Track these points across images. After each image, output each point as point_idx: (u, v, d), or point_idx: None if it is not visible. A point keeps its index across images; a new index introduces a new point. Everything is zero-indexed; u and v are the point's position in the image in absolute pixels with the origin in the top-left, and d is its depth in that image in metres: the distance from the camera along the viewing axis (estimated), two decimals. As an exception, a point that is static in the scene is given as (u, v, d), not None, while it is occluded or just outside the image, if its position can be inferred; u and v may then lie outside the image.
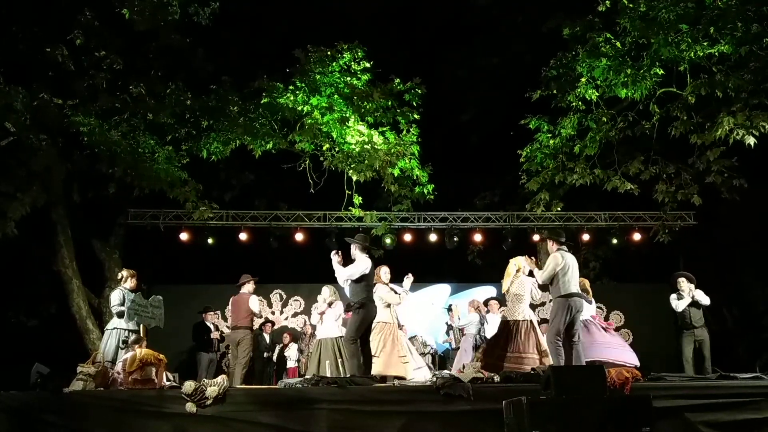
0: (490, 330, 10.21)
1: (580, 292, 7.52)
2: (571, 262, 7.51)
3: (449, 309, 12.00)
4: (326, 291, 9.04)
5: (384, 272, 8.23)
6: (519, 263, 8.25)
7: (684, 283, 9.22)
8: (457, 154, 14.59)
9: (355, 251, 7.59)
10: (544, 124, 9.82)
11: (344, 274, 7.42)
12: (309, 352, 11.34)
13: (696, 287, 9.22)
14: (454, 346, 11.53)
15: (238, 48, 12.15)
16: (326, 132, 9.44)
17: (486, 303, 10.81)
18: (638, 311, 13.10)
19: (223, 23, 9.91)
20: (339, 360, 8.43)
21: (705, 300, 9.12)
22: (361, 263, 7.41)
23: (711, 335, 9.41)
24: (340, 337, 8.59)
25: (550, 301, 7.78)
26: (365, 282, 7.41)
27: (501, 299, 10.60)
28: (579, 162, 9.84)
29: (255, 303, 9.19)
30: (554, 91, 9.39)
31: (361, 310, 7.30)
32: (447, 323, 11.93)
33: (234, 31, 11.98)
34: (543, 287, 7.97)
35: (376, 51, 9.75)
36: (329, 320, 8.88)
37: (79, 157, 9.44)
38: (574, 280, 7.44)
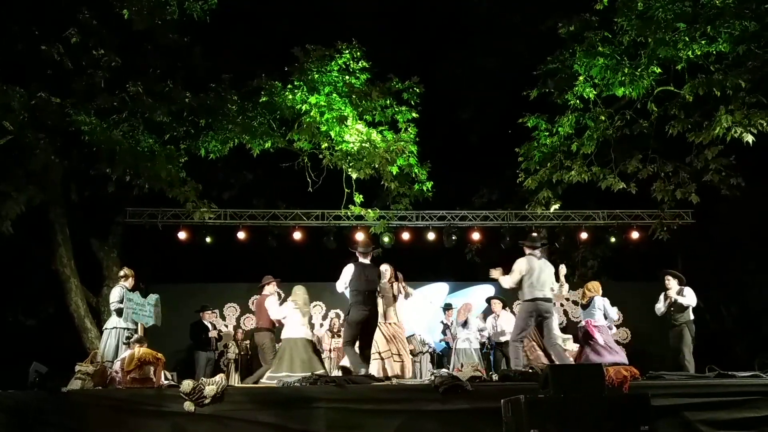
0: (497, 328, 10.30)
1: (547, 296, 7.55)
2: (539, 266, 7.58)
3: (446, 308, 12.01)
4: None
5: (383, 270, 8.26)
6: None
7: (671, 281, 9.19)
8: (456, 153, 14.59)
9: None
10: (542, 123, 9.82)
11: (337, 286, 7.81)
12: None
13: (685, 284, 9.18)
14: (451, 344, 11.54)
15: (236, 46, 12.14)
16: (325, 131, 9.43)
17: (488, 301, 10.86)
18: (636, 309, 13.07)
19: (221, 22, 9.89)
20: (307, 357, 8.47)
21: (686, 301, 9.01)
22: (344, 272, 7.72)
23: (709, 334, 9.43)
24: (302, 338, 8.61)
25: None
26: (350, 287, 7.67)
27: (503, 299, 10.66)
28: (576, 160, 9.84)
29: (271, 306, 9.06)
30: (551, 89, 9.39)
31: (348, 315, 7.66)
32: (443, 322, 11.93)
33: (232, 29, 11.97)
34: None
35: (375, 50, 9.75)
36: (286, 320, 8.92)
37: (77, 156, 9.44)
38: (539, 285, 7.50)
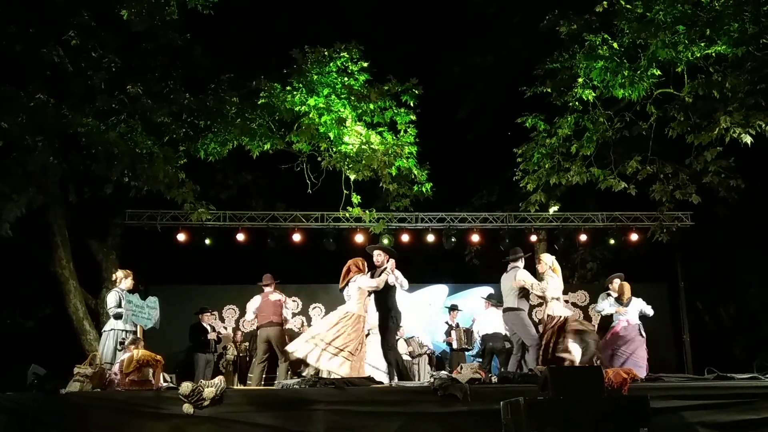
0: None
1: (507, 306, 8.06)
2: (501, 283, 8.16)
3: (451, 309, 12.01)
4: None
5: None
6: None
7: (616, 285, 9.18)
8: (455, 153, 14.59)
9: (383, 259, 7.82)
10: (541, 123, 9.83)
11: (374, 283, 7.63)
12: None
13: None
14: (456, 346, 11.53)
15: (235, 45, 12.14)
16: (324, 132, 9.43)
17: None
18: (635, 311, 13.10)
19: (220, 20, 9.88)
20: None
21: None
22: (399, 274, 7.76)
23: (708, 335, 9.42)
24: None
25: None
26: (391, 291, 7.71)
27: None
28: (575, 162, 9.85)
29: (249, 305, 9.19)
30: (549, 90, 9.40)
31: (393, 320, 7.65)
32: (447, 323, 11.94)
33: (231, 28, 11.97)
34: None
35: (373, 48, 9.73)
36: None
37: (75, 158, 9.42)
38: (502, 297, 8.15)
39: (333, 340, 7.29)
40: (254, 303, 9.17)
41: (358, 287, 7.57)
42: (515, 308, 7.92)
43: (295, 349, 7.48)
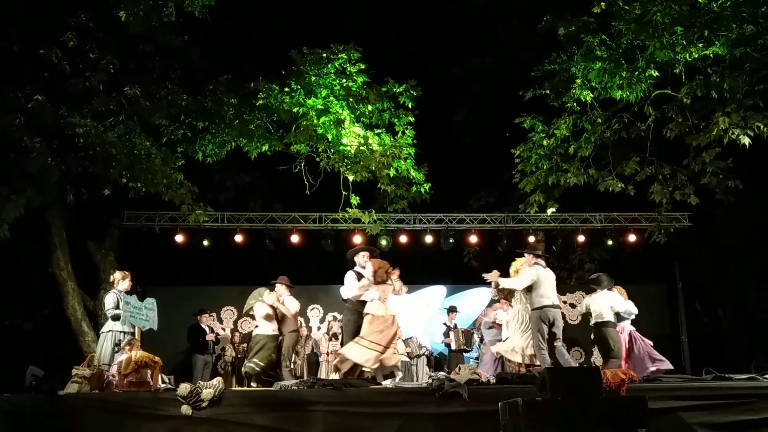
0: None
1: (555, 303, 7.81)
2: (545, 276, 7.86)
3: (450, 310, 12.00)
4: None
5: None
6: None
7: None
8: (453, 155, 14.60)
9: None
10: (539, 124, 9.82)
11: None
12: (305, 353, 11.34)
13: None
14: (454, 347, 11.52)
15: (233, 48, 12.14)
16: (322, 133, 9.43)
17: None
18: (633, 312, 13.11)
19: (219, 22, 9.88)
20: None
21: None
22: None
23: (706, 335, 9.49)
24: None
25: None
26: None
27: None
28: (574, 163, 9.85)
29: (291, 304, 9.24)
30: (547, 91, 9.40)
31: None
32: (445, 324, 11.92)
33: (229, 30, 11.97)
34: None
35: (372, 50, 9.73)
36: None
37: (73, 159, 9.42)
38: (548, 293, 7.78)
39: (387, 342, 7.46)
40: (295, 304, 9.18)
41: (393, 288, 7.80)
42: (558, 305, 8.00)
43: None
